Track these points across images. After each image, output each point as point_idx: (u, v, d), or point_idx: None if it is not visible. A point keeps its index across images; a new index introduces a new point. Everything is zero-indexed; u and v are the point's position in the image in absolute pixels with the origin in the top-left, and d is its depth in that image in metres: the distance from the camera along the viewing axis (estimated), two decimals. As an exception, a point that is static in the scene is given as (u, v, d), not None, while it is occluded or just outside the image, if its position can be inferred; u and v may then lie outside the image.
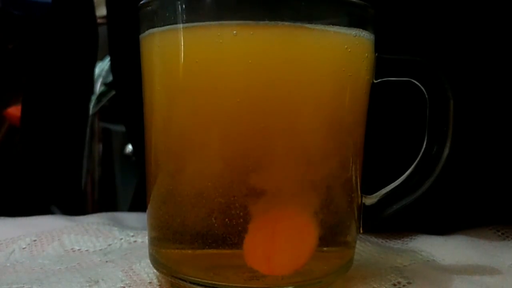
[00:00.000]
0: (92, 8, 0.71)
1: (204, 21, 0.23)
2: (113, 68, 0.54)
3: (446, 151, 0.26)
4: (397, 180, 0.28)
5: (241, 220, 0.23)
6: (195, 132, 0.24)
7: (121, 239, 0.36)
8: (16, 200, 0.73)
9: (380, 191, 0.28)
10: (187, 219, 0.24)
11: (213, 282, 0.24)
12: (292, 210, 0.24)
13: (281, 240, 0.24)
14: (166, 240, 0.26)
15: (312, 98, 0.24)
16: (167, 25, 0.24)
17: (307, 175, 0.24)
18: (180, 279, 0.25)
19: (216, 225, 0.23)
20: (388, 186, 0.28)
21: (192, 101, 0.24)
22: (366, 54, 0.25)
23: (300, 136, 0.24)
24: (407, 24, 0.34)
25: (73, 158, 0.79)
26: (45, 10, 0.79)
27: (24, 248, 0.34)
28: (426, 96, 0.26)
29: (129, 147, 0.93)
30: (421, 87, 0.26)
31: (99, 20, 0.72)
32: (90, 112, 0.85)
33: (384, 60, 0.26)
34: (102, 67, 0.86)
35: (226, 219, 0.23)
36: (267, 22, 0.22)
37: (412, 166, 0.27)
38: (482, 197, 0.37)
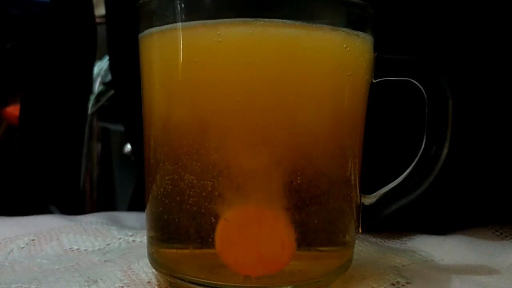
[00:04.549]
0: (91, 7, 0.71)
1: (203, 20, 0.23)
2: (112, 67, 0.54)
3: (445, 151, 0.26)
4: (396, 180, 0.28)
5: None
6: (194, 131, 0.24)
7: (120, 238, 0.36)
8: (15, 199, 0.73)
9: (379, 191, 0.28)
10: (185, 219, 0.24)
11: (211, 282, 0.24)
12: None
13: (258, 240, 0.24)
14: (165, 239, 0.26)
15: (311, 98, 0.24)
16: (166, 24, 0.24)
17: (306, 174, 0.24)
18: (179, 278, 0.25)
19: (215, 224, 0.23)
20: (387, 186, 0.28)
21: (191, 101, 0.24)
22: (365, 54, 0.25)
23: (299, 136, 0.24)
24: (406, 24, 0.34)
25: (71, 158, 0.79)
26: (43, 9, 0.79)
27: (22, 248, 0.34)
28: (425, 96, 0.26)
29: (128, 147, 0.93)
30: (420, 87, 0.26)
31: (98, 20, 0.72)
32: (89, 111, 0.85)
33: (383, 59, 0.26)
34: (101, 66, 0.85)
35: (225, 219, 0.23)
36: (266, 21, 0.22)
37: (411, 166, 0.27)
38: (481, 197, 0.37)
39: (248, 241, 0.24)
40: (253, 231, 0.23)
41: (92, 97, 0.84)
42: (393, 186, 0.28)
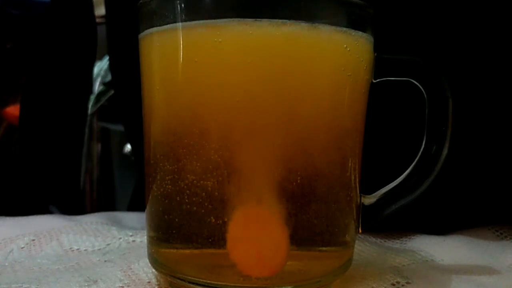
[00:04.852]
0: (91, 8, 0.71)
1: (203, 20, 0.23)
2: (112, 67, 0.54)
3: (445, 151, 0.26)
4: (396, 180, 0.28)
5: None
6: (193, 132, 0.24)
7: (120, 238, 0.36)
8: (15, 199, 0.73)
9: (379, 191, 0.28)
10: (185, 219, 0.24)
11: (212, 282, 0.24)
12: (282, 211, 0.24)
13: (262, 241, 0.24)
14: (165, 239, 0.26)
15: (311, 98, 0.24)
16: (166, 24, 0.24)
17: (306, 174, 0.24)
18: (179, 278, 0.25)
19: (215, 224, 0.23)
20: (387, 186, 0.28)
21: (191, 101, 0.24)
22: (366, 54, 0.25)
23: (299, 136, 0.24)
24: (406, 24, 0.34)
25: (71, 158, 0.79)
26: (43, 9, 0.79)
27: (22, 248, 0.34)
28: (425, 96, 0.26)
29: (128, 147, 0.93)
30: (420, 87, 0.26)
31: (98, 20, 0.72)
32: (89, 111, 0.85)
33: (383, 60, 0.26)
34: (101, 66, 0.86)
35: (226, 219, 0.23)
36: (266, 21, 0.22)
37: (411, 166, 0.27)
38: (481, 197, 0.37)
39: (247, 242, 0.24)
40: (252, 232, 0.23)
41: (92, 97, 0.84)
42: (393, 186, 0.28)
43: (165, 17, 0.24)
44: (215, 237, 0.23)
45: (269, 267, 0.24)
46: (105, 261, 0.31)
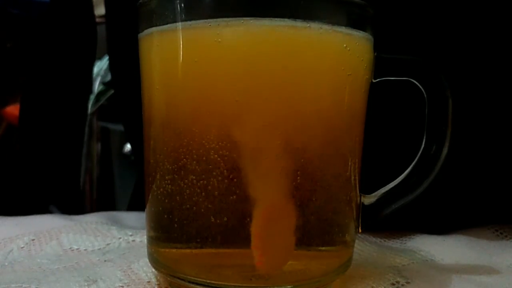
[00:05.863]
0: (90, 7, 0.71)
1: (203, 20, 0.23)
2: (111, 67, 0.54)
3: (445, 151, 0.26)
4: (396, 180, 0.28)
5: (241, 219, 0.23)
6: (193, 131, 0.24)
7: (120, 238, 0.36)
8: (15, 199, 0.73)
9: (379, 190, 0.28)
10: (185, 219, 0.24)
11: (212, 282, 0.24)
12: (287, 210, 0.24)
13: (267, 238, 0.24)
14: (165, 239, 0.26)
15: (311, 97, 0.24)
16: (166, 24, 0.24)
17: (306, 173, 0.24)
18: (179, 278, 0.25)
19: (215, 224, 0.23)
20: (387, 186, 0.28)
21: (191, 101, 0.24)
22: (365, 54, 0.25)
23: (299, 135, 0.24)
24: (406, 24, 0.34)
25: (71, 157, 0.79)
26: (43, 9, 0.79)
27: (22, 247, 0.34)
28: (425, 95, 0.26)
29: (128, 146, 0.93)
30: (420, 86, 0.26)
31: (97, 19, 0.72)
32: (89, 111, 0.85)
33: (383, 59, 0.26)
34: (100, 66, 0.86)
35: (225, 218, 0.23)
36: (266, 20, 0.22)
37: (411, 166, 0.27)
38: (481, 197, 0.37)
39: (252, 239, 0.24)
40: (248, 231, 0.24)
41: (92, 97, 0.84)
42: (393, 186, 0.28)
43: (165, 16, 0.24)
44: (215, 237, 0.23)
45: (269, 264, 0.24)
46: (105, 260, 0.31)
